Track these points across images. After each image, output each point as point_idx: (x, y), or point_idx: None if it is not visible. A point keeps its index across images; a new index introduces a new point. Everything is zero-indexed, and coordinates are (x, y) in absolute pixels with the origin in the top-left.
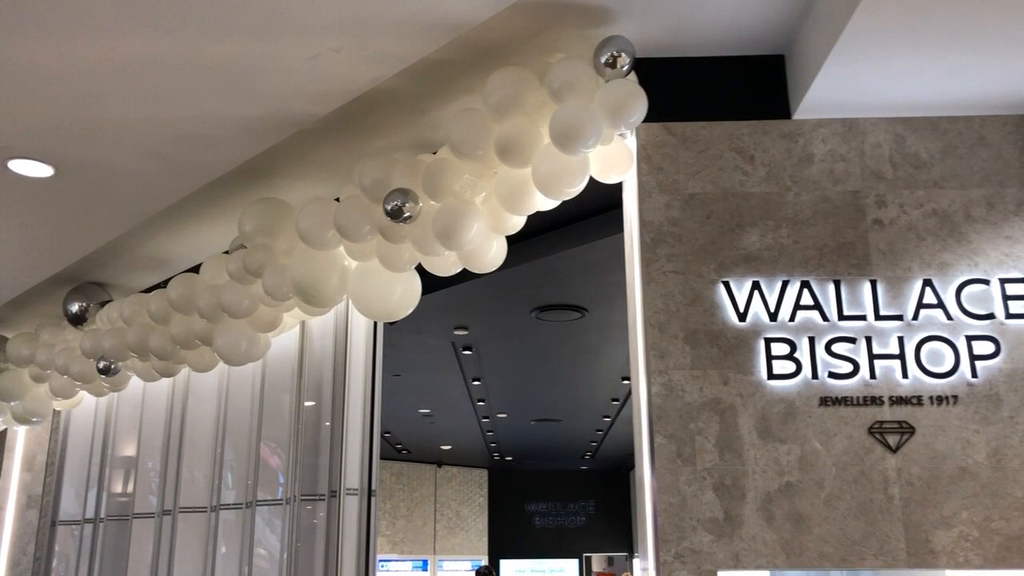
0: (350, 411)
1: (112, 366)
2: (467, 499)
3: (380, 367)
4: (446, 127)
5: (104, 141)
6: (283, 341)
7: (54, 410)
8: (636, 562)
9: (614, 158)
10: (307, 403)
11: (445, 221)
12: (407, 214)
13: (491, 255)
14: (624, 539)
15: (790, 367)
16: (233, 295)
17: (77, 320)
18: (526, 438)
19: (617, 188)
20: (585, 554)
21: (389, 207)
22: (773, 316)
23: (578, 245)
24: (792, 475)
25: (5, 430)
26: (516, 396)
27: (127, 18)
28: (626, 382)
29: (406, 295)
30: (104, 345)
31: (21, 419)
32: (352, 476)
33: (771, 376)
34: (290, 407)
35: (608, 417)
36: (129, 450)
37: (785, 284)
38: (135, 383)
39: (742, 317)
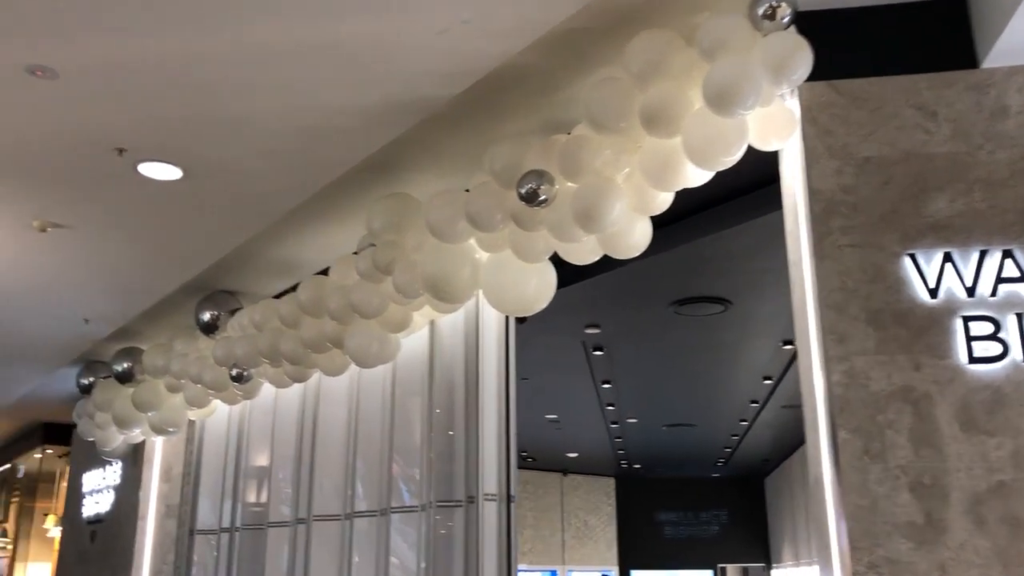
0: (485, 412)
1: (244, 373)
2: (595, 508)
3: (514, 365)
4: (584, 99)
5: (231, 139)
6: (412, 342)
7: (189, 420)
8: (775, 572)
9: (774, 121)
10: (437, 409)
11: (585, 202)
12: (542, 197)
13: (635, 238)
14: (760, 549)
15: (995, 348)
16: (363, 294)
17: (209, 329)
18: (656, 444)
19: (769, 163)
20: (719, 565)
21: (523, 191)
22: (971, 291)
23: (725, 228)
24: (1005, 473)
25: (143, 441)
26: (648, 400)
27: (248, 3)
28: (767, 382)
29: (541, 287)
30: (236, 352)
31: (158, 429)
32: (489, 481)
33: (972, 359)
34: (422, 410)
35: (745, 421)
36: (262, 458)
37: (983, 254)
38: (267, 390)
39: (933, 293)
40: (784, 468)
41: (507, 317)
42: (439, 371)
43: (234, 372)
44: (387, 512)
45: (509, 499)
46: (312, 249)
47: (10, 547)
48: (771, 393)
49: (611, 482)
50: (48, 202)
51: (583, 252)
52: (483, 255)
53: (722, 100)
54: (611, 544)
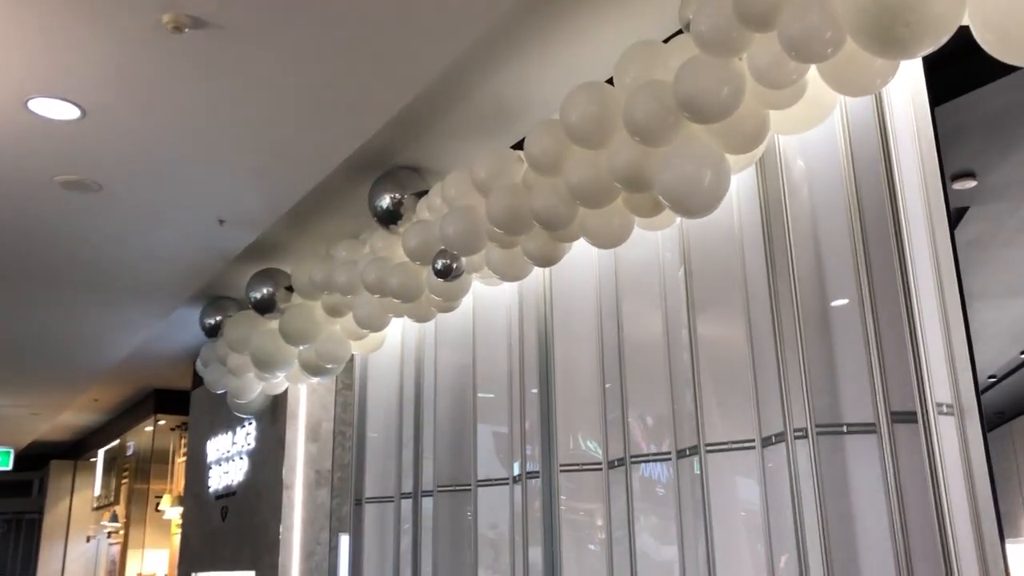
0: (918, 279)
1: (455, 265)
2: None
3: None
4: None
5: None
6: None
7: (345, 363)
8: (1011, 547)
9: None
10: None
11: None
12: None
13: None
14: None
15: None
16: (709, 77)
17: (389, 218)
18: None
19: None
20: None
21: None
22: None
23: None
24: None
25: (285, 392)
26: None
27: None
28: None
29: None
30: (446, 231)
31: (313, 368)
32: (940, 389)
33: None
34: (786, 284)
35: (994, 377)
36: (454, 399)
37: None
38: (463, 308)
39: None
40: (1016, 425)
41: (933, 118)
42: (797, 222)
43: (439, 264)
44: (697, 450)
45: (981, 411)
46: (545, 83)
47: (122, 532)
48: None
49: None
50: None
51: None
52: None
53: None
54: None
